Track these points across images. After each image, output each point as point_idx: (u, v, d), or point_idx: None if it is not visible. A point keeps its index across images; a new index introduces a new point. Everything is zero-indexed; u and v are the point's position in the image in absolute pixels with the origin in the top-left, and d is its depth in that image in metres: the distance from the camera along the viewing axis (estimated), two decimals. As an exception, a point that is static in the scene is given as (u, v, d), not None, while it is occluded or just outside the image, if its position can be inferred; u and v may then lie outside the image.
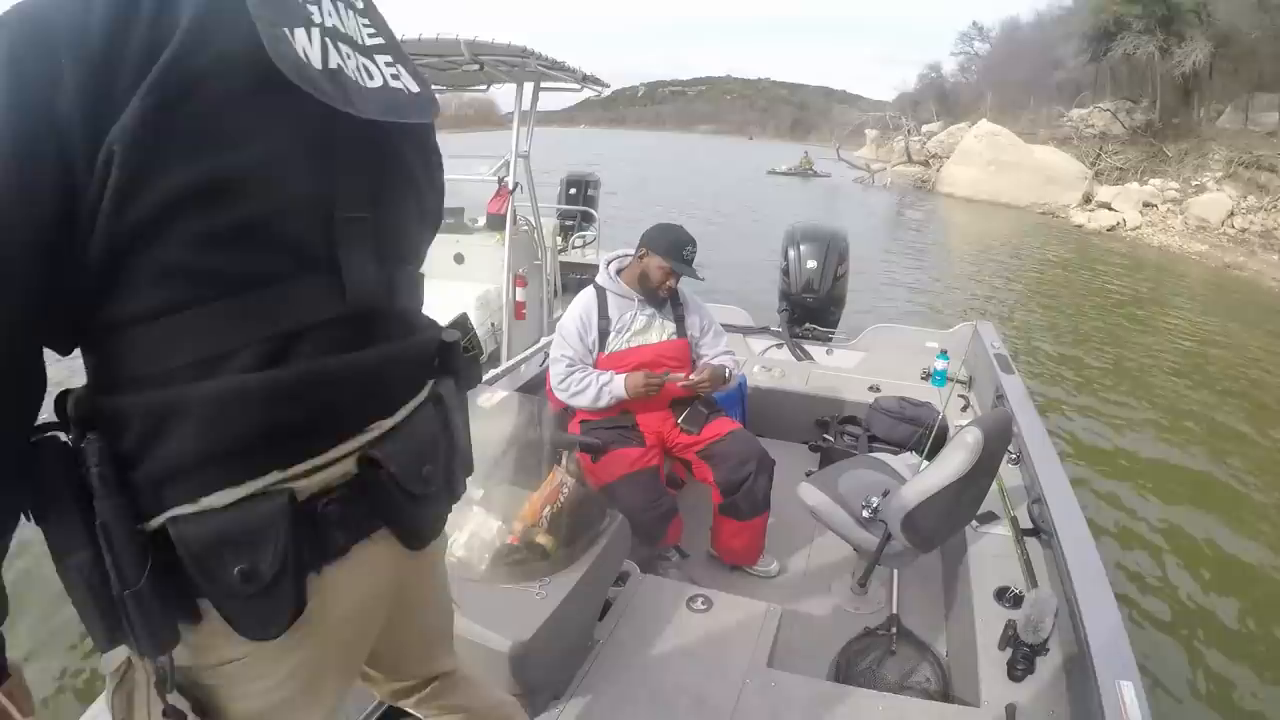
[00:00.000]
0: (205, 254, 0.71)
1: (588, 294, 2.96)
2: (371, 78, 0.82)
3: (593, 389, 2.80)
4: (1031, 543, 2.45)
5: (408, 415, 0.92)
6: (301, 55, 0.73)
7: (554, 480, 2.15)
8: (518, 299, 5.47)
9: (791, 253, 4.99)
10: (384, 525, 0.89)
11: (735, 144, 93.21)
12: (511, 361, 4.58)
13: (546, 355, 3.24)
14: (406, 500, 0.89)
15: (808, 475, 3.48)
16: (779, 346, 4.71)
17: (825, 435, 3.76)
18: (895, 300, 11.22)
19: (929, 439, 3.15)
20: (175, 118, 0.66)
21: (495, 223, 5.60)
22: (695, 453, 2.87)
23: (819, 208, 24.35)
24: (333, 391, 0.81)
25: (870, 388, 4.00)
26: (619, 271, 2.96)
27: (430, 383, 0.99)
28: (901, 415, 3.52)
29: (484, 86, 5.96)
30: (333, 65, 0.76)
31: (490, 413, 2.31)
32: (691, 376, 2.80)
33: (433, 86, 3.84)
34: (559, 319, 3.07)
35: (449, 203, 5.05)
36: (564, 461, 2.25)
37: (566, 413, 3.00)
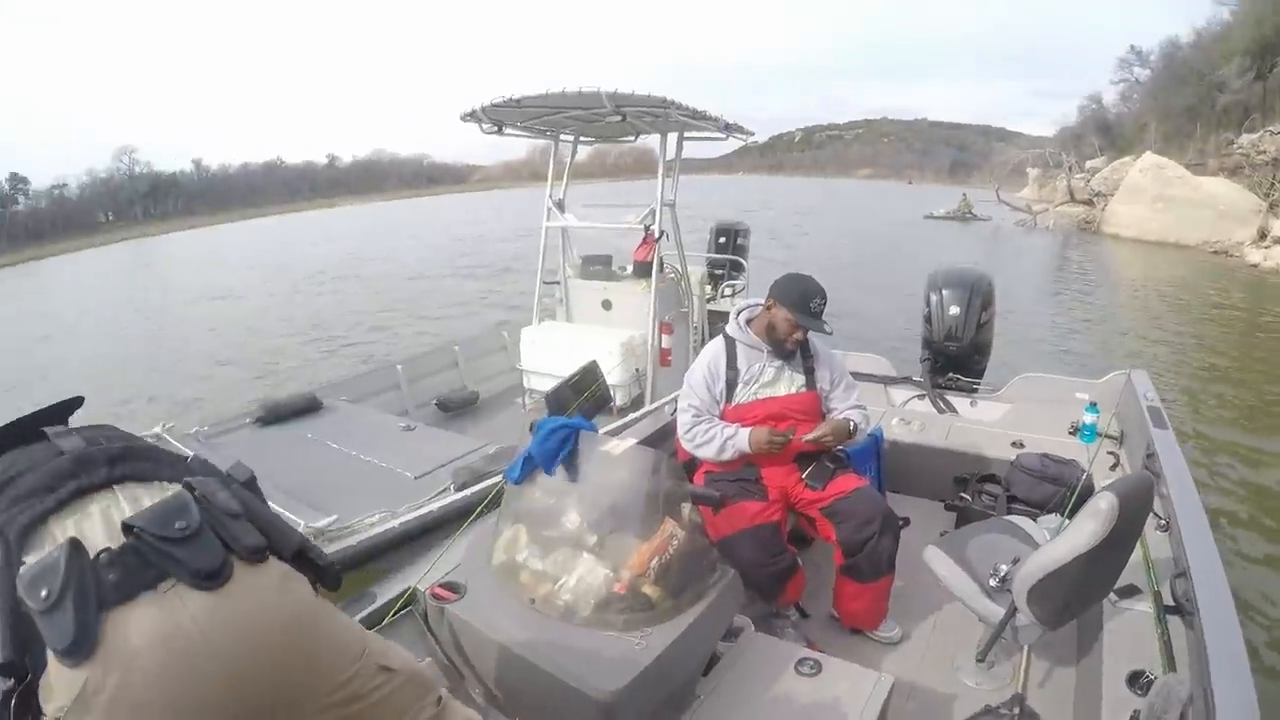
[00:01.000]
0: None
1: (716, 344, 2.95)
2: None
3: (717, 441, 2.78)
4: (1174, 622, 2.21)
5: None
6: None
7: (665, 531, 2.15)
8: (663, 346, 5.54)
9: (933, 298, 4.84)
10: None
11: (894, 188, 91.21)
12: (652, 407, 4.63)
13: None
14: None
15: (941, 536, 3.36)
16: (920, 397, 4.54)
17: (963, 494, 3.58)
18: (1046, 348, 10.67)
19: (1071, 500, 2.93)
20: None
21: (642, 270, 5.70)
22: (819, 509, 2.78)
23: (976, 253, 23.33)
24: None
25: (1013, 443, 3.78)
26: (748, 322, 2.93)
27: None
28: (1044, 474, 3.30)
29: (633, 137, 6.15)
30: None
31: (611, 461, 2.34)
32: (815, 432, 2.75)
33: (582, 139, 4.02)
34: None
35: (598, 250, 5.23)
36: (678, 513, 2.25)
37: (693, 462, 2.98)
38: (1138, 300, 15.97)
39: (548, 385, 5.79)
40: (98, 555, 1.02)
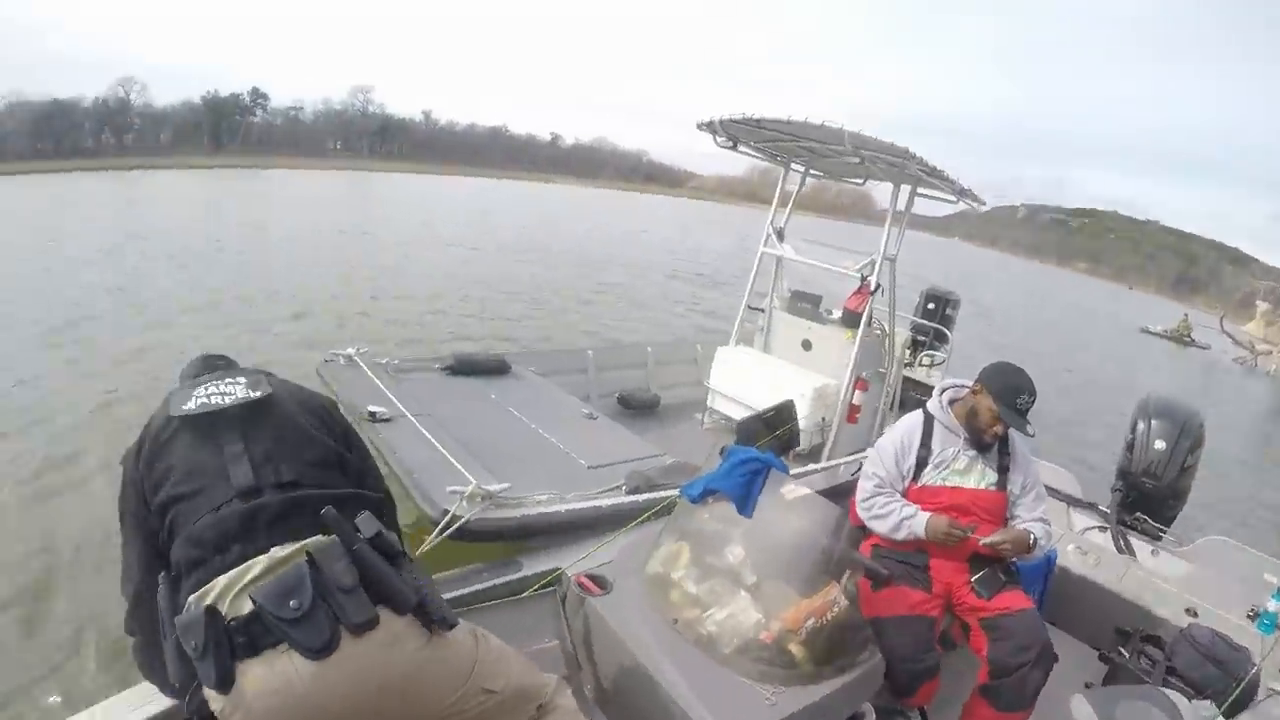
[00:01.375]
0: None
1: (914, 418, 2.86)
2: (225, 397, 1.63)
3: (894, 518, 2.69)
4: None
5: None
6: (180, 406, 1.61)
7: (828, 595, 2.13)
8: (854, 401, 5.37)
9: (1140, 425, 4.55)
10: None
11: (1112, 290, 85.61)
12: (831, 463, 4.53)
13: (861, 466, 3.12)
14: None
15: (1086, 686, 3.09)
16: (1102, 529, 4.24)
17: (1121, 649, 3.29)
18: (1243, 510, 9.63)
19: (1233, 694, 2.64)
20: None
21: (849, 319, 5.56)
22: (979, 619, 2.65)
23: (1187, 383, 21.35)
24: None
25: (1187, 609, 3.44)
26: (951, 402, 2.82)
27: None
28: (1211, 654, 2.97)
29: (860, 180, 6.02)
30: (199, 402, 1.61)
31: (788, 505, 2.32)
32: (994, 536, 2.61)
33: (812, 171, 3.91)
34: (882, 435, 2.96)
35: (808, 288, 5.02)
36: (844, 580, 2.20)
37: (863, 531, 2.90)
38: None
39: (730, 408, 5.82)
40: (229, 620, 1.34)
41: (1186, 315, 35.59)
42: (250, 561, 1.39)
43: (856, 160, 4.95)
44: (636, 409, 6.48)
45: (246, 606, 1.34)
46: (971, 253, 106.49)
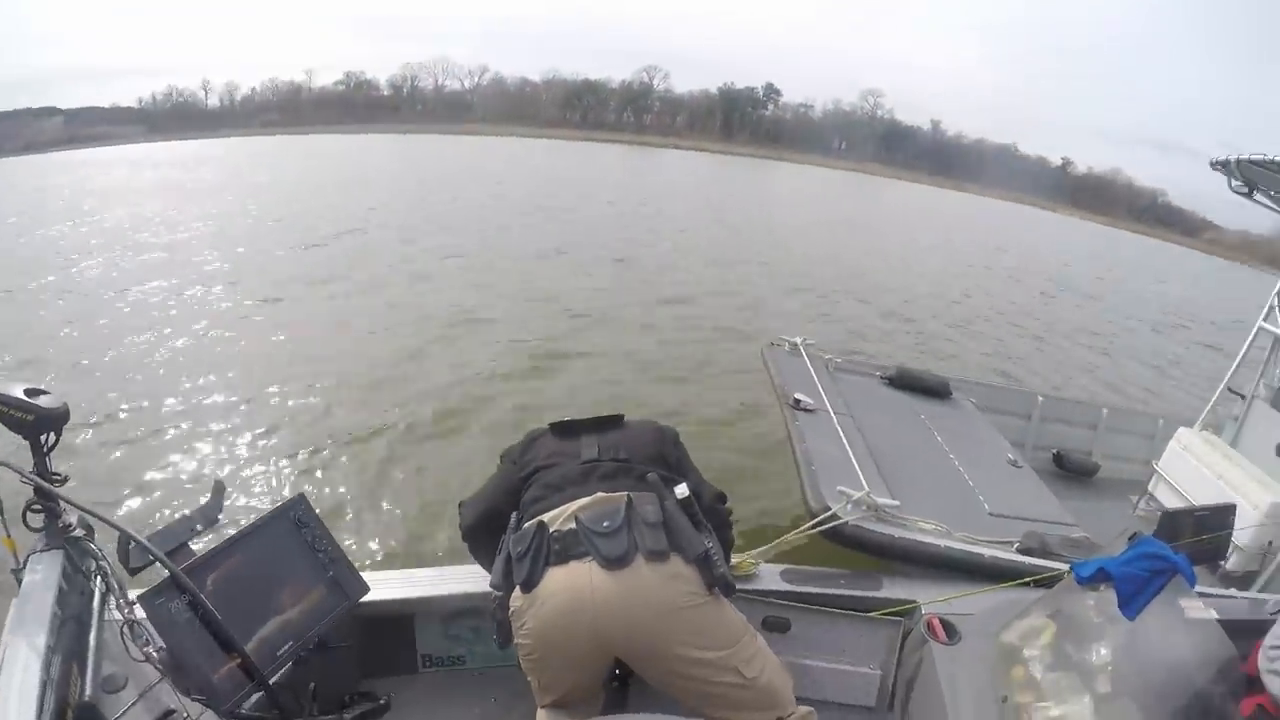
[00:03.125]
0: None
1: None
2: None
3: None
4: None
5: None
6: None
7: None
8: None
9: None
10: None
11: None
12: (1259, 595, 3.82)
13: None
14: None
15: None
16: None
17: None
18: None
19: None
20: None
21: None
22: None
23: None
24: None
25: None
26: None
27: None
28: None
29: None
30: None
31: (1179, 622, 2.03)
32: None
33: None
34: None
35: None
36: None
37: (1252, 683, 2.46)
38: None
39: (1172, 498, 5.14)
40: (554, 532, 1.77)
41: None
42: (582, 499, 1.83)
43: None
44: (1071, 472, 6.03)
45: (570, 526, 1.78)
46: None
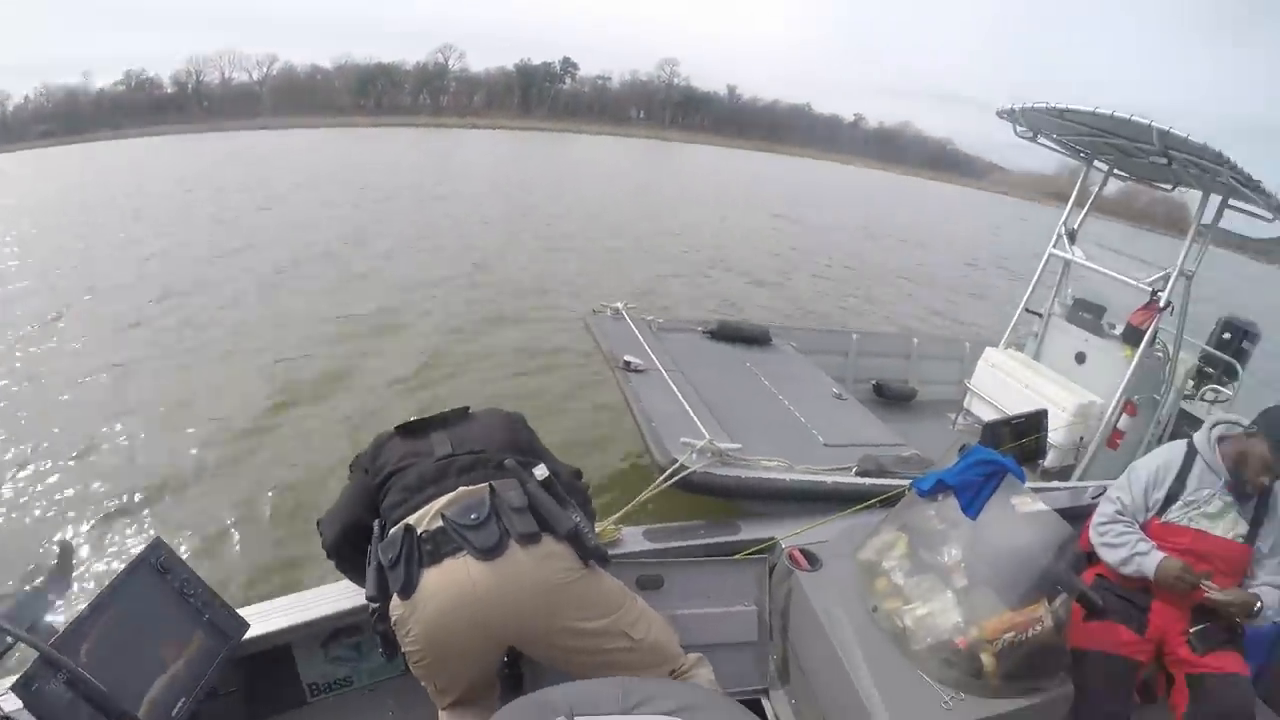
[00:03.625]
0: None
1: (1176, 448, 2.65)
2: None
3: (1126, 550, 2.53)
4: None
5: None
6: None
7: (1034, 612, 2.08)
8: (1119, 426, 5.03)
9: None
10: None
11: None
12: (1077, 484, 4.27)
13: (1106, 491, 2.91)
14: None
15: None
16: None
17: None
18: None
19: None
20: None
21: (1131, 336, 5.14)
22: (1185, 672, 2.45)
23: None
24: None
25: None
26: (1220, 440, 2.58)
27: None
28: None
29: (1170, 186, 5.43)
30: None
31: (1016, 514, 2.28)
32: (1220, 595, 2.39)
33: (1116, 172, 3.63)
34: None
35: (1095, 298, 4.69)
36: (1055, 602, 2.16)
37: (1089, 558, 2.77)
38: None
39: (986, 412, 5.63)
40: (422, 533, 1.75)
41: None
42: (445, 496, 1.82)
43: (1164, 162, 4.49)
44: (891, 399, 6.44)
45: (437, 524, 1.76)
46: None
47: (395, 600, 1.75)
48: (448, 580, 1.70)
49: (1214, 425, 2.63)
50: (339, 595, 2.34)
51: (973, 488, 2.29)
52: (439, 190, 21.38)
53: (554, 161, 35.45)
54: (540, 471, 1.95)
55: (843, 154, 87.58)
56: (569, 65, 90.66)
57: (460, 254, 13.17)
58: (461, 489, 1.83)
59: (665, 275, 13.03)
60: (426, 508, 1.80)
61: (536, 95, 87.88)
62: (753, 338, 5.73)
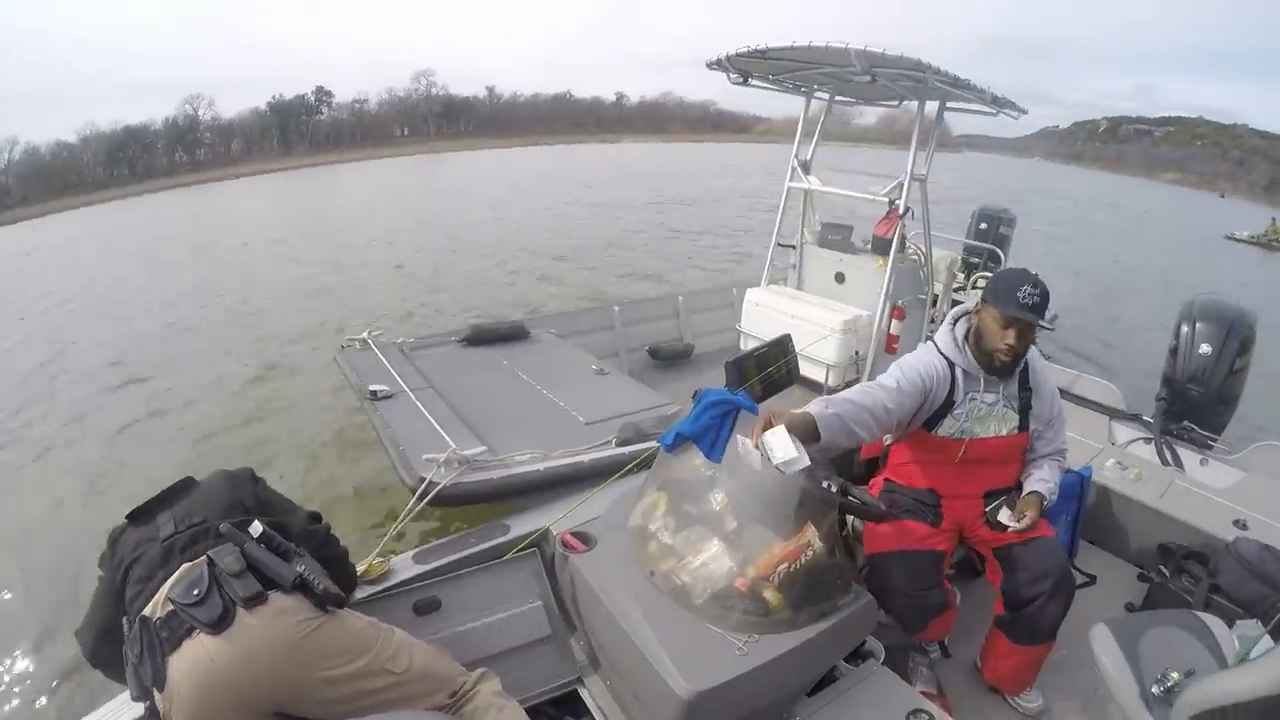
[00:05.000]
0: None
1: (938, 367, 2.45)
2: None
3: (838, 434, 2.17)
4: None
5: None
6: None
7: (801, 539, 2.03)
8: (892, 331, 5.20)
9: (1184, 330, 4.29)
10: None
11: (1202, 199, 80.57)
12: None
13: None
14: None
15: (1127, 608, 2.99)
16: (1146, 441, 4.00)
17: (1162, 567, 3.10)
18: None
19: None
20: None
21: (879, 246, 5.36)
22: (992, 549, 2.50)
23: (1274, 290, 19.44)
24: None
25: (1235, 521, 3.19)
26: (966, 334, 2.46)
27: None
28: (1259, 569, 2.74)
29: (895, 102, 5.68)
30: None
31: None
32: (1015, 527, 2.40)
33: (840, 99, 3.70)
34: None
35: (840, 219, 4.72)
36: (822, 521, 2.10)
37: (875, 465, 2.80)
38: None
39: None
40: (156, 621, 1.67)
41: (1275, 219, 32.91)
42: (170, 579, 1.74)
43: (870, 80, 4.52)
44: (668, 360, 6.44)
45: (168, 609, 1.68)
46: (1051, 171, 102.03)
47: (157, 695, 1.67)
48: (190, 663, 1.62)
49: (954, 321, 2.53)
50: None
51: (711, 431, 2.20)
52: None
53: (316, 201, 33.58)
54: (255, 528, 1.88)
55: (611, 133, 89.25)
56: (323, 94, 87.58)
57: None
58: (184, 566, 1.77)
59: (437, 291, 12.71)
60: (156, 595, 1.73)
61: (295, 131, 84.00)
62: (509, 335, 5.60)
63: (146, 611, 1.71)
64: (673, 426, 2.34)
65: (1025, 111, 5.28)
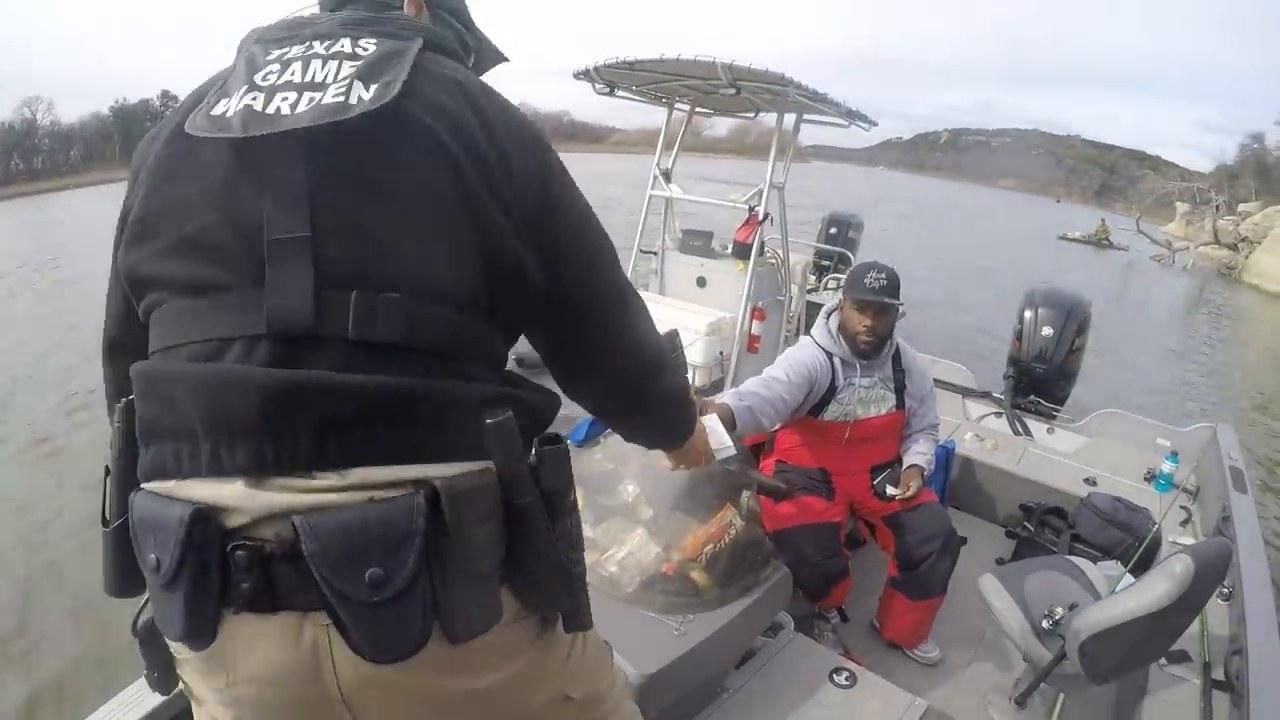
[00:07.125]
0: (160, 265, 0.88)
1: (820, 358, 2.68)
2: (298, 106, 0.83)
3: (749, 425, 2.43)
4: (1220, 698, 2.10)
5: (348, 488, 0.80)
6: (207, 112, 0.87)
7: (723, 518, 2.15)
8: (753, 332, 5.39)
9: (1028, 315, 4.80)
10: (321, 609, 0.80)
11: (1037, 204, 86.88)
12: (730, 391, 4.55)
13: None
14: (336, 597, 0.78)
15: (998, 563, 3.26)
16: (998, 415, 4.44)
17: (1026, 524, 3.45)
18: (1141, 389, 10.19)
19: (1137, 551, 2.79)
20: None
21: (740, 251, 5.50)
22: (882, 517, 2.72)
23: (1104, 282, 21.27)
24: (225, 397, 0.80)
25: (1086, 479, 3.66)
26: (840, 327, 2.71)
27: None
28: (1113, 518, 3.18)
29: (753, 114, 5.89)
30: (240, 108, 0.85)
31: None
32: (900, 496, 2.64)
33: (700, 110, 3.83)
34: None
35: (700, 225, 4.92)
36: (741, 501, 2.23)
37: (762, 448, 2.94)
38: (1258, 358, 15.02)
39: None
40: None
41: (1104, 220, 36.11)
42: None
43: (735, 92, 4.76)
44: (536, 366, 6.40)
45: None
46: (895, 180, 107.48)
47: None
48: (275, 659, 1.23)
49: (826, 316, 2.76)
50: None
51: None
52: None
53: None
54: None
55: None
56: (169, 99, 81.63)
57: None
58: None
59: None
60: None
61: (140, 138, 78.45)
62: None
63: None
64: (580, 422, 2.42)
65: (876, 124, 5.65)
